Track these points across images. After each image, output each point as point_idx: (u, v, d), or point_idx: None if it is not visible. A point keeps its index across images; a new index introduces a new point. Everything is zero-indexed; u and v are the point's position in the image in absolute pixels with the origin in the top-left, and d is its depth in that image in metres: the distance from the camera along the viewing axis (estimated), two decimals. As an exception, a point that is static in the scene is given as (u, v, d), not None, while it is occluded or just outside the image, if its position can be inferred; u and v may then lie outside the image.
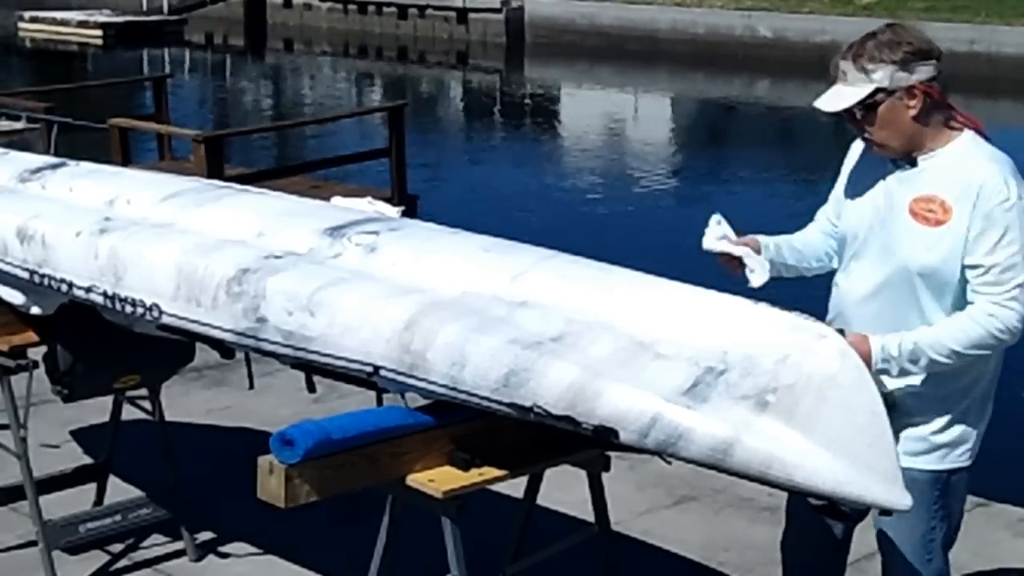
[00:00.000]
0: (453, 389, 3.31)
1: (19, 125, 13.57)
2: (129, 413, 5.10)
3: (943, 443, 3.57)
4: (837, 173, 3.79)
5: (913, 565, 3.66)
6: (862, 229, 3.60)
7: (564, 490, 4.56)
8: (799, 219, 3.96)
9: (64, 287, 4.12)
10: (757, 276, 3.62)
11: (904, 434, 3.50)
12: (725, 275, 3.66)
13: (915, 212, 3.46)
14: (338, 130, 18.80)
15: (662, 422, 3.02)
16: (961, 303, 3.46)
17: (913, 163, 3.51)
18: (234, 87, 30.25)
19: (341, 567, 4.83)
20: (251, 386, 5.12)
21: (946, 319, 3.45)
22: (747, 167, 19.58)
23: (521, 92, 28.88)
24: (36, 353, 4.56)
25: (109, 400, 5.11)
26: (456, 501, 3.48)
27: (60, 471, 5.19)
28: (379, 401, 4.05)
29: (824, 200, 3.85)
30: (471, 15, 33.21)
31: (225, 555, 5.10)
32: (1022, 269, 3.38)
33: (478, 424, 3.54)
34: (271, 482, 3.36)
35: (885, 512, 3.08)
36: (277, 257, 3.73)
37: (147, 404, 5.00)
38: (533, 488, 4.15)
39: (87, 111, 14.22)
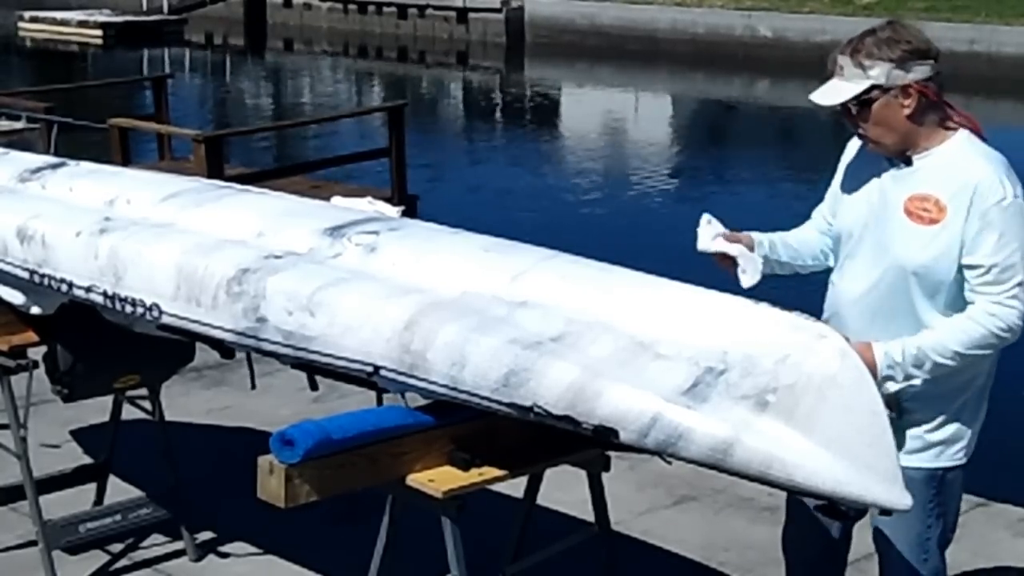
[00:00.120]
0: (453, 389, 3.31)
1: (19, 125, 13.58)
2: (129, 413, 5.10)
3: (938, 441, 3.58)
4: (835, 172, 3.80)
5: (910, 564, 3.67)
6: (857, 228, 3.61)
7: (564, 490, 4.56)
8: (800, 219, 3.96)
9: (64, 287, 4.12)
10: (748, 277, 3.62)
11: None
12: (723, 275, 3.67)
13: (910, 211, 3.48)
14: (338, 130, 18.81)
15: (662, 422, 3.02)
16: (954, 302, 3.47)
17: (908, 162, 3.52)
18: (234, 87, 30.25)
19: (341, 567, 4.83)
20: (253, 386, 5.13)
21: (947, 321, 3.46)
22: (747, 167, 19.59)
23: (521, 92, 28.87)
24: (36, 353, 4.56)
25: (109, 400, 5.11)
26: (456, 501, 3.48)
27: (60, 471, 5.19)
28: (379, 401, 4.05)
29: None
30: (471, 15, 33.21)
31: (225, 555, 5.10)
32: (1021, 267, 3.39)
33: (478, 424, 3.54)
34: (271, 482, 3.36)
35: (885, 512, 3.09)
36: (277, 257, 3.73)
37: (147, 404, 5.00)
38: (533, 488, 4.15)
39: (87, 111, 14.23)
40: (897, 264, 3.49)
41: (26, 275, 4.23)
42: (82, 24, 35.12)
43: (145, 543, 5.14)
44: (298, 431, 3.34)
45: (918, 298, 3.49)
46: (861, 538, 3.90)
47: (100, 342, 4.45)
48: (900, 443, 3.36)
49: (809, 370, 3.03)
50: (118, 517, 4.96)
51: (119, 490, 5.30)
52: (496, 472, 3.55)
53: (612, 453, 3.78)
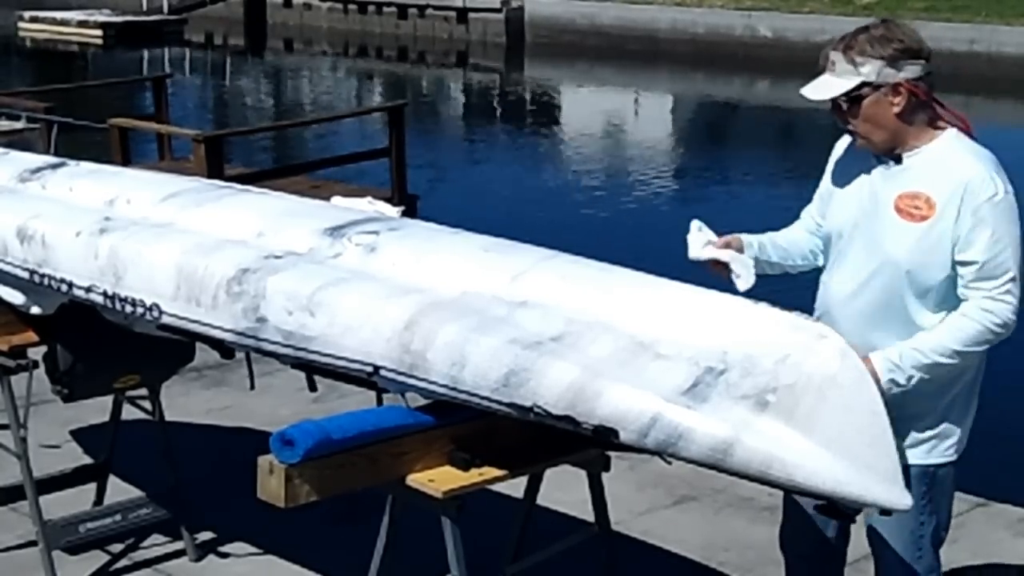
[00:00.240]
0: (453, 389, 3.31)
1: (19, 125, 13.57)
2: (129, 413, 5.10)
3: (929, 437, 3.59)
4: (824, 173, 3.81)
5: (904, 561, 3.67)
6: (847, 226, 3.62)
7: (564, 490, 4.55)
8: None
9: (64, 287, 4.12)
10: (743, 281, 3.63)
11: None
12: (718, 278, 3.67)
13: (900, 208, 3.49)
14: (338, 130, 18.80)
15: (662, 422, 3.02)
16: (945, 301, 3.48)
17: (898, 160, 3.54)
18: (234, 87, 30.25)
19: (341, 567, 4.83)
20: (252, 386, 5.12)
21: (942, 321, 3.47)
22: (747, 167, 19.58)
23: (521, 92, 28.87)
24: (36, 353, 4.56)
25: (109, 400, 5.11)
26: (456, 501, 3.48)
27: (60, 471, 5.19)
28: (379, 401, 4.05)
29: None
30: (471, 15, 33.22)
31: (225, 555, 5.10)
32: (1013, 263, 3.42)
33: (478, 424, 3.54)
34: (271, 482, 3.36)
35: (885, 512, 3.09)
36: (277, 257, 3.73)
37: (147, 404, 5.00)
38: (533, 488, 4.15)
39: (87, 111, 14.22)
40: (889, 262, 3.51)
41: (26, 275, 4.23)
42: (82, 24, 35.13)
43: (145, 543, 5.14)
44: (298, 431, 3.34)
45: (909, 296, 3.50)
46: (860, 539, 3.90)
47: (100, 342, 4.45)
48: None
49: (809, 370, 3.03)
50: (118, 517, 4.96)
51: (119, 490, 5.30)
52: (496, 472, 3.55)
53: (612, 453, 3.78)
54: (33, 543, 4.82)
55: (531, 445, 3.61)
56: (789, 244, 3.87)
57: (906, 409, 3.53)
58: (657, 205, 16.98)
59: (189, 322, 3.81)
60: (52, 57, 33.18)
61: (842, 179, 3.68)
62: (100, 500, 5.23)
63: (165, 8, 37.36)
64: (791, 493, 3.49)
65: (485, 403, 3.28)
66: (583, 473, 3.93)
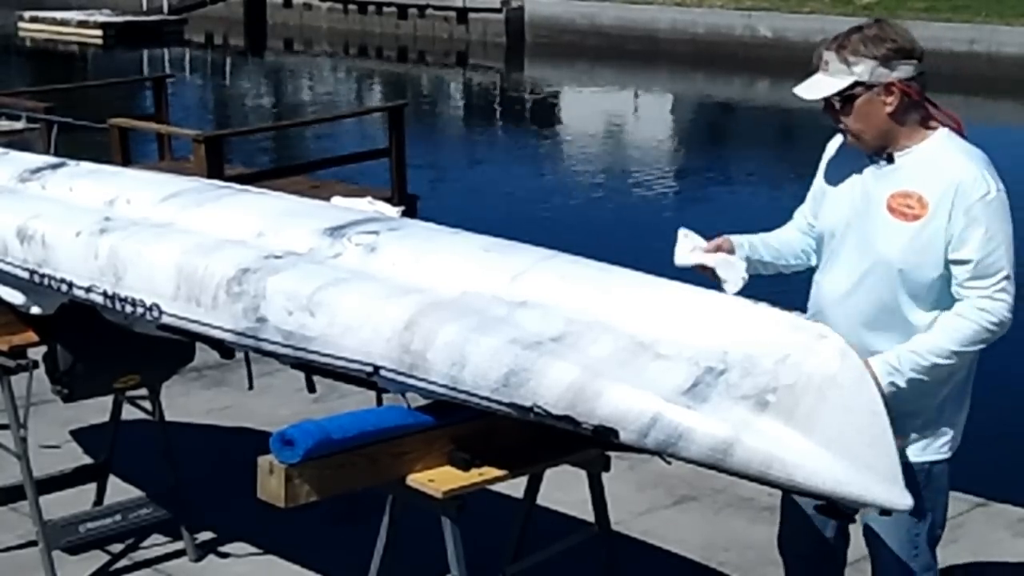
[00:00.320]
0: (453, 389, 3.31)
1: (19, 125, 13.57)
2: (129, 413, 5.10)
3: (922, 435, 3.59)
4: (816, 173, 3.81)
5: (900, 560, 3.68)
6: (840, 226, 3.63)
7: (564, 490, 4.56)
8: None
9: (64, 287, 4.12)
10: (731, 285, 3.63)
11: None
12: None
13: (892, 208, 3.50)
14: (338, 130, 18.80)
15: (662, 422, 3.02)
16: (938, 300, 3.49)
17: (890, 159, 3.54)
18: (234, 87, 30.25)
19: (341, 567, 4.84)
20: (250, 386, 5.13)
21: (938, 321, 3.47)
22: (747, 167, 19.58)
23: (521, 92, 28.87)
24: (36, 353, 4.56)
25: (109, 400, 5.11)
26: (456, 501, 3.48)
27: (60, 471, 5.19)
28: (379, 401, 4.05)
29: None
30: (471, 15, 33.21)
31: (225, 555, 5.10)
32: (1006, 261, 3.43)
33: (478, 424, 3.54)
34: (271, 482, 3.36)
35: (885, 512, 3.09)
36: (277, 257, 3.73)
37: (147, 404, 5.00)
38: (533, 488, 4.15)
39: (87, 111, 14.23)
40: (881, 261, 3.51)
41: (26, 275, 4.23)
42: (82, 24, 35.13)
43: (145, 543, 5.14)
44: (298, 431, 3.34)
45: (902, 295, 3.51)
46: (860, 539, 3.90)
47: (100, 342, 4.45)
48: None
49: (809, 370, 3.03)
50: (118, 517, 4.96)
51: (119, 490, 5.30)
52: (496, 472, 3.55)
53: (612, 453, 3.78)
54: (33, 543, 4.82)
55: (531, 445, 3.61)
56: (781, 244, 3.88)
57: (900, 407, 3.53)
58: (657, 205, 16.97)
59: (189, 322, 3.81)
60: (52, 57, 33.18)
61: (834, 179, 3.69)
62: (100, 500, 5.23)
63: (165, 8, 37.35)
64: (791, 493, 3.49)
65: (485, 403, 3.28)
66: (583, 473, 3.93)
